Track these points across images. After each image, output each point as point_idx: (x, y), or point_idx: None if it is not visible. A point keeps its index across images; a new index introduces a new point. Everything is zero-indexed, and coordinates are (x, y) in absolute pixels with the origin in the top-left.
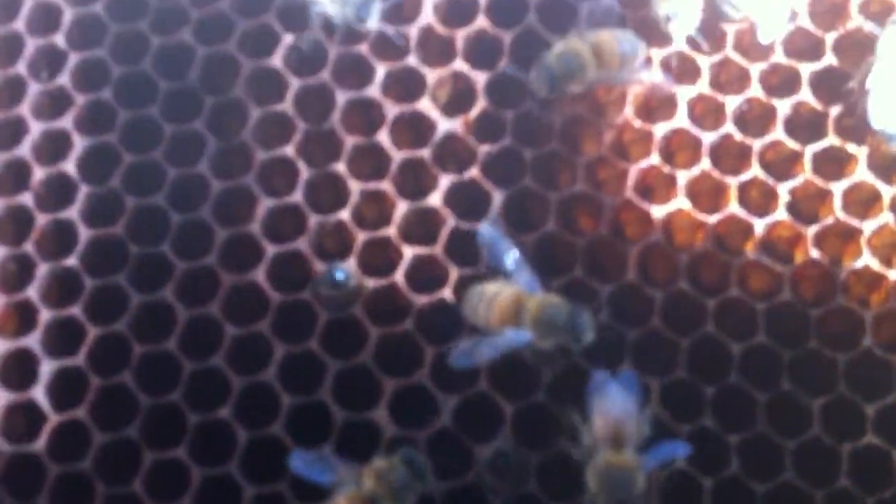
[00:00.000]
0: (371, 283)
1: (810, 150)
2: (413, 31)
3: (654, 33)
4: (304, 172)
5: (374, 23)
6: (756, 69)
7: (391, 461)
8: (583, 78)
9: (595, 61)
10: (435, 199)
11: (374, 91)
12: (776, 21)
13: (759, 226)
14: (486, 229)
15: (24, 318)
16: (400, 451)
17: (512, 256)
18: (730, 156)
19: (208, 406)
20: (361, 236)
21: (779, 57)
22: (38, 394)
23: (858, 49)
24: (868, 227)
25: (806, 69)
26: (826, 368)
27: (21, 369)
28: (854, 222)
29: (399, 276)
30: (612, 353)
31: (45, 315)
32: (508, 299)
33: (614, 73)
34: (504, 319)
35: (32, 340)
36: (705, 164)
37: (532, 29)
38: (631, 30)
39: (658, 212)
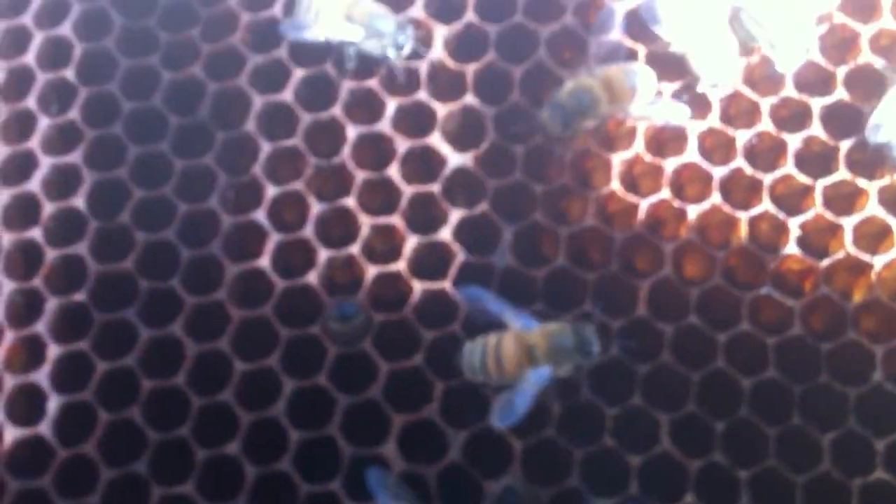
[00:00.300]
0: (381, 317)
1: (821, 184)
2: (423, 65)
3: (664, 66)
4: (315, 207)
5: (410, 49)
6: (766, 103)
7: None
8: (595, 113)
9: (606, 95)
10: (445, 233)
11: (384, 126)
12: (795, 51)
13: (770, 259)
14: (464, 290)
15: (32, 352)
16: None
17: (497, 305)
18: (740, 189)
19: (217, 441)
20: (371, 270)
21: (789, 91)
22: (46, 429)
23: (869, 83)
24: (879, 261)
25: (816, 103)
26: (836, 403)
27: (29, 404)
28: (865, 257)
29: (409, 311)
30: (622, 387)
31: (53, 350)
32: (513, 345)
33: (626, 106)
34: (520, 364)
35: (40, 375)
36: (716, 197)
37: (542, 63)
38: (641, 63)
39: (668, 245)
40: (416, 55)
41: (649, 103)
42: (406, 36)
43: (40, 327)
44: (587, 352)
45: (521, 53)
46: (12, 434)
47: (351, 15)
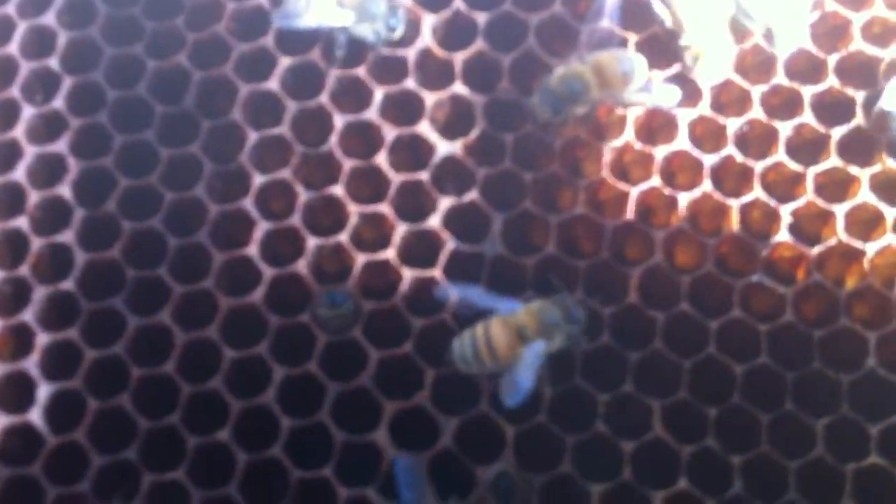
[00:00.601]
0: (370, 305)
1: (812, 171)
2: (411, 53)
3: (655, 53)
4: (302, 195)
5: (402, 30)
6: (757, 91)
7: None
8: (586, 99)
9: (597, 81)
10: (434, 221)
11: (372, 114)
12: (793, 33)
13: (762, 247)
14: (453, 287)
15: (20, 341)
16: None
17: (480, 296)
18: (731, 177)
19: (207, 429)
20: (360, 259)
21: (780, 78)
22: (36, 417)
23: (860, 71)
24: (871, 248)
25: (808, 91)
26: (830, 389)
27: (18, 392)
28: (857, 243)
29: (398, 299)
30: (614, 374)
31: (42, 338)
32: (502, 329)
33: (617, 92)
34: (512, 346)
35: (29, 364)
36: (707, 185)
37: (531, 52)
38: (632, 49)
39: (659, 233)
40: (408, 37)
41: (640, 89)
42: (398, 18)
43: (28, 316)
44: (574, 320)
45: (510, 42)
46: (2, 422)
47: None
